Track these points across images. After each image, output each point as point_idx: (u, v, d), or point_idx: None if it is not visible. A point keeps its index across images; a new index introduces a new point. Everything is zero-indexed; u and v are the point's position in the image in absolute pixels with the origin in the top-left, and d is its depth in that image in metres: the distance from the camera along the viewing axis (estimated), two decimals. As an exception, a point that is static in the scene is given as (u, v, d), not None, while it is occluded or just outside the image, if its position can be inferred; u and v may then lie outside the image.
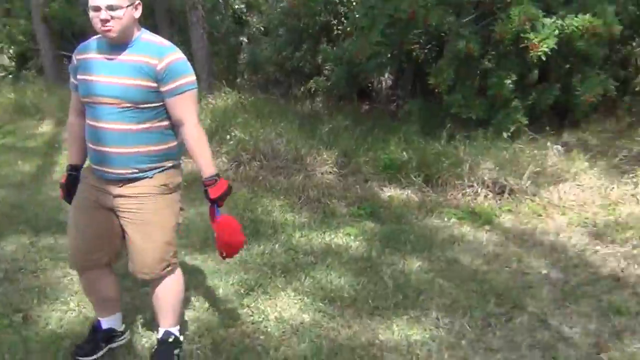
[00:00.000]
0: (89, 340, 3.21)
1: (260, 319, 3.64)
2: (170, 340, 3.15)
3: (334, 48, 8.76)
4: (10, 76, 12.75)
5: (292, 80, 10.02)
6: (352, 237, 4.90)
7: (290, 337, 3.44)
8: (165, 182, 2.86)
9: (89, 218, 2.92)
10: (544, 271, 4.32)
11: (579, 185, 5.92)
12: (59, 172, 6.67)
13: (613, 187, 5.85)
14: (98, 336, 3.22)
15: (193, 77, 2.80)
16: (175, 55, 2.73)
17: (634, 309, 3.71)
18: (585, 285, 4.07)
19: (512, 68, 7.51)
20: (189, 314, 3.67)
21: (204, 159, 2.82)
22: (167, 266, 2.98)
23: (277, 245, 4.71)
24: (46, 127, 8.86)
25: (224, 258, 3.00)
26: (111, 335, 3.25)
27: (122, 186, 2.83)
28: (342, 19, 9.32)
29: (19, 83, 11.29)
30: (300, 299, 3.87)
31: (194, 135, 2.79)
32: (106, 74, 2.70)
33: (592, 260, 4.49)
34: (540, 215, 5.45)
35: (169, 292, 3.09)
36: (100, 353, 3.19)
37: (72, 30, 11.23)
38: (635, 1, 7.88)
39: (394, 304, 3.81)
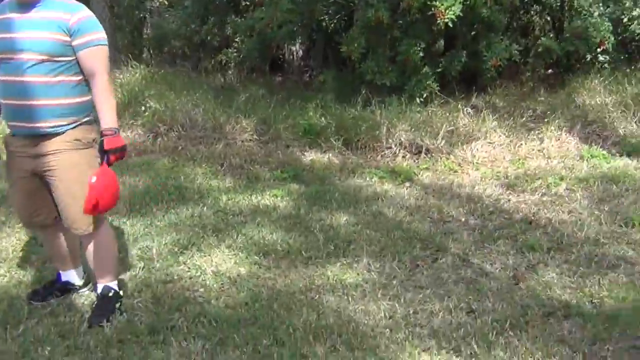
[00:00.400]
0: (45, 287, 3.38)
1: (198, 274, 3.68)
2: (110, 294, 3.24)
3: (244, 19, 8.73)
4: None
5: (201, 53, 9.92)
6: (278, 198, 5.00)
7: (229, 288, 3.51)
8: (78, 137, 2.94)
9: (20, 186, 3.07)
10: (463, 219, 4.59)
11: (489, 143, 6.28)
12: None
13: (521, 144, 6.25)
14: (54, 287, 3.38)
15: (103, 34, 2.94)
16: (85, 12, 2.90)
17: (546, 245, 4.01)
18: (502, 229, 4.36)
19: (421, 36, 7.78)
20: (126, 274, 3.66)
21: (107, 111, 2.91)
22: (95, 222, 3.07)
23: (204, 208, 4.74)
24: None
25: (88, 211, 2.94)
26: (67, 287, 3.38)
27: (37, 145, 2.91)
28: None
29: None
30: (234, 254, 3.94)
31: (101, 86, 2.90)
32: (23, 30, 2.80)
33: (506, 207, 4.80)
34: (455, 172, 5.75)
35: (101, 248, 3.18)
36: (53, 300, 3.31)
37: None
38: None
39: (326, 254, 3.95)
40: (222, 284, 3.57)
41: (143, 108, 6.67)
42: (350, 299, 3.38)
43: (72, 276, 3.41)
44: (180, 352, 2.88)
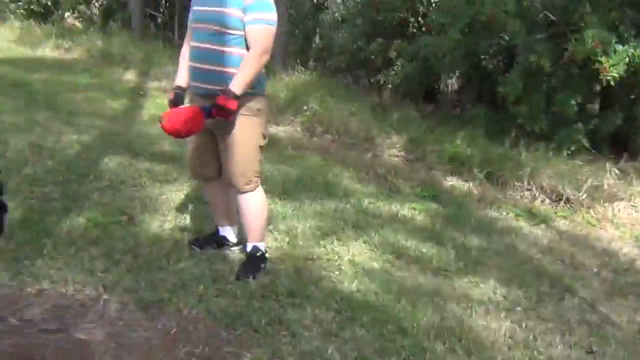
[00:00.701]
0: (205, 237, 3.83)
1: (335, 258, 4.01)
2: (258, 254, 3.62)
3: (409, 44, 9.10)
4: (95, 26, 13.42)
5: (362, 70, 10.39)
6: (416, 211, 5.25)
7: (362, 276, 3.80)
8: (246, 104, 3.29)
9: (195, 140, 3.49)
10: (595, 269, 4.61)
11: (633, 206, 6.18)
12: (146, 114, 7.16)
13: (665, 214, 6.10)
14: (213, 238, 3.81)
15: (272, 16, 3.25)
16: None
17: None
18: (634, 286, 4.36)
19: (579, 89, 7.75)
20: (272, 243, 4.06)
21: (240, 77, 3.18)
22: (248, 182, 3.43)
23: (347, 205, 5.08)
24: (130, 76, 9.38)
25: (162, 125, 3.24)
26: (222, 242, 3.81)
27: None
28: (419, 18, 9.66)
29: (105, 33, 11.85)
30: (370, 250, 4.24)
31: (249, 57, 3.20)
32: (212, 5, 3.25)
33: (641, 268, 4.76)
34: (593, 226, 5.72)
35: (252, 210, 3.54)
36: (209, 250, 3.75)
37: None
38: None
39: (456, 269, 4.15)
40: (355, 271, 3.87)
41: (305, 107, 7.16)
42: (473, 312, 3.56)
43: (228, 232, 3.83)
44: (313, 318, 3.21)
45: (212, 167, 3.57)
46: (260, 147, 3.47)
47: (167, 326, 2.97)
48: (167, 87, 8.50)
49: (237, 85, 3.17)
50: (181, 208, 4.43)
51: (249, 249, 3.64)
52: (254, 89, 3.32)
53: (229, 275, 3.52)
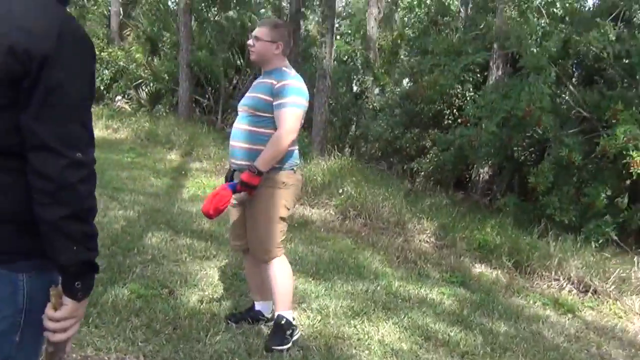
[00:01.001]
0: (241, 313, 4.03)
1: (365, 338, 4.18)
2: (282, 322, 3.74)
3: (444, 134, 9.48)
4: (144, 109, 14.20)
5: (396, 157, 10.77)
6: (445, 296, 5.42)
7: (391, 356, 3.97)
8: (275, 178, 3.58)
9: (233, 212, 3.82)
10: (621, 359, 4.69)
11: (659, 301, 6.23)
12: (187, 193, 7.55)
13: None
14: (249, 313, 4.00)
15: (300, 100, 3.58)
16: (292, 80, 3.60)
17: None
18: (660, 378, 4.42)
19: (609, 182, 7.97)
20: (305, 321, 4.27)
21: (265, 154, 3.47)
22: (267, 251, 3.66)
23: (378, 287, 5.28)
24: (174, 156, 9.88)
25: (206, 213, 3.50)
26: (258, 317, 4.00)
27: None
28: (454, 110, 10.07)
29: (153, 116, 12.54)
30: (399, 331, 4.40)
31: (275, 135, 3.50)
32: (251, 92, 3.69)
33: (668, 362, 4.81)
34: (620, 317, 5.79)
35: (276, 279, 3.72)
36: (245, 324, 3.94)
37: (207, 77, 12.51)
38: None
39: (483, 353, 4.28)
40: (385, 351, 4.03)
41: (340, 191, 7.48)
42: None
43: (263, 307, 4.04)
44: (345, 393, 3.38)
45: (245, 240, 3.81)
46: (282, 218, 3.68)
47: (206, 394, 3.16)
48: (208, 167, 8.96)
49: (260, 162, 3.46)
50: (219, 283, 4.68)
51: (275, 317, 3.79)
52: (281, 164, 3.60)
53: (262, 351, 3.73)
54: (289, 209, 3.76)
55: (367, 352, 3.98)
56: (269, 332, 3.96)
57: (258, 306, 4.05)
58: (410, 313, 4.77)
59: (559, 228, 7.59)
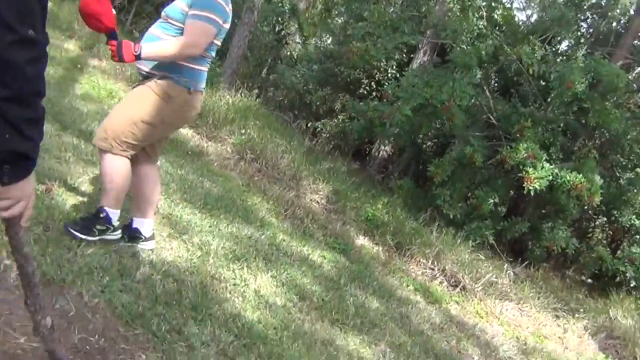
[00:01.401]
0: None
1: (242, 284, 4.01)
2: (101, 215, 3.48)
3: (359, 102, 9.39)
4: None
5: (304, 112, 10.57)
6: (326, 260, 5.34)
7: (264, 308, 3.82)
8: (161, 85, 3.34)
9: None
10: (476, 358, 4.83)
11: (520, 309, 6.53)
12: (80, 89, 6.97)
13: (546, 324, 6.48)
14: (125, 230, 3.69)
15: (214, 16, 3.31)
16: None
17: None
18: (507, 382, 4.59)
19: (500, 190, 8.23)
20: (184, 254, 4.02)
21: (155, 46, 3.26)
22: (104, 139, 3.37)
23: (262, 237, 5.10)
24: (72, 46, 9.08)
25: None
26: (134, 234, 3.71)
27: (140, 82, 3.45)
28: (373, 82, 9.99)
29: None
30: (276, 285, 4.26)
31: (174, 39, 3.27)
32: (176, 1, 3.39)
33: (517, 367, 5.03)
34: (481, 317, 6.00)
35: (105, 173, 3.46)
36: (120, 242, 3.65)
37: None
38: (616, 185, 8.83)
39: (352, 324, 4.24)
40: (259, 303, 3.88)
41: (243, 130, 7.18)
42: (361, 369, 3.65)
43: (139, 224, 3.72)
44: (212, 336, 3.19)
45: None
46: (145, 123, 3.36)
47: (66, 308, 2.86)
48: (107, 68, 8.31)
49: (145, 48, 3.20)
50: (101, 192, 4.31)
51: (97, 208, 3.51)
52: (174, 74, 3.34)
53: (136, 273, 3.45)
54: (162, 123, 3.44)
55: (241, 299, 3.81)
56: (145, 257, 3.70)
57: (135, 223, 3.72)
58: (289, 269, 4.65)
59: (444, 221, 7.75)
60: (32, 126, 1.41)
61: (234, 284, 3.97)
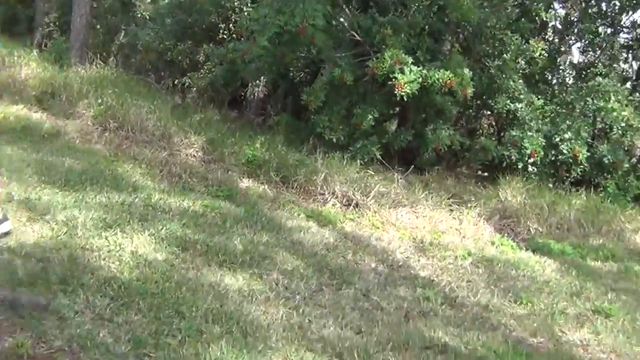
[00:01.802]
0: None
1: (117, 249, 3.86)
2: None
3: (218, 48, 9.13)
4: None
5: (168, 70, 10.21)
6: (208, 209, 5.23)
7: (144, 267, 3.70)
8: None
9: None
10: (373, 265, 4.91)
11: (414, 212, 6.67)
12: None
13: (442, 220, 6.67)
14: None
15: None
16: None
17: (441, 300, 4.34)
18: (405, 279, 4.70)
19: (377, 105, 8.29)
20: (48, 233, 3.81)
21: None
22: None
23: (136, 200, 4.93)
24: None
25: None
26: None
27: None
28: (231, 25, 9.74)
29: None
30: (155, 242, 4.14)
31: None
32: None
33: (414, 264, 5.15)
34: (377, 228, 6.09)
35: None
36: None
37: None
38: (486, 74, 9.10)
39: (241, 262, 4.19)
40: (137, 262, 3.75)
41: (100, 101, 6.84)
42: (253, 300, 3.62)
43: None
44: (85, 304, 3.06)
45: None
46: None
47: None
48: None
49: None
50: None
51: None
52: None
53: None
54: None
55: (117, 263, 3.68)
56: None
57: None
58: (169, 225, 4.52)
59: (327, 146, 7.74)
60: None
61: (108, 251, 3.82)
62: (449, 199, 7.37)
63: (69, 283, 3.22)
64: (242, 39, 8.29)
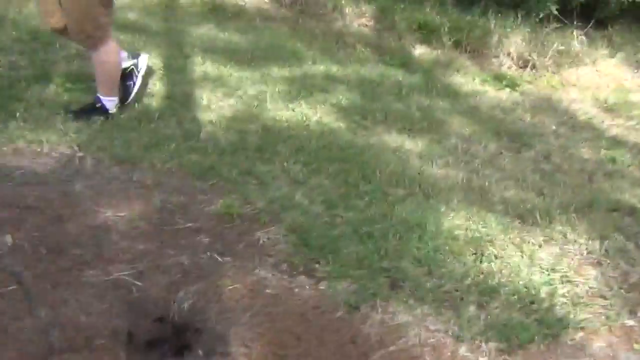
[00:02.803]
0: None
1: (303, 119, 4.15)
2: (98, 105, 3.69)
3: None
4: None
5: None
6: (385, 77, 5.35)
7: (328, 134, 3.96)
8: None
9: None
10: (554, 127, 4.81)
11: (596, 70, 6.33)
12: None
13: (627, 78, 6.27)
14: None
15: None
16: None
17: (627, 162, 4.22)
18: (588, 140, 4.58)
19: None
20: (241, 106, 4.18)
21: None
22: (88, 37, 3.50)
23: (316, 72, 5.16)
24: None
25: None
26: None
27: None
28: None
29: None
30: (337, 112, 4.37)
31: None
32: None
33: (598, 126, 4.98)
34: (557, 89, 5.89)
35: (98, 63, 3.63)
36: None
37: None
38: None
39: (419, 128, 4.32)
40: (322, 131, 4.02)
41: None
42: (433, 164, 3.77)
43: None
44: (281, 169, 3.39)
45: (56, 18, 3.50)
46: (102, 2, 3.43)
47: (142, 179, 3.12)
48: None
49: None
50: (153, 76, 4.48)
51: (95, 98, 3.71)
52: None
53: (199, 135, 3.66)
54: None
55: (305, 132, 3.96)
56: (203, 118, 3.90)
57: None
58: (348, 94, 4.73)
59: (499, 5, 7.38)
60: None
61: (296, 121, 4.11)
62: (635, 54, 6.85)
63: (265, 151, 3.56)
64: None
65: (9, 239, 1.73)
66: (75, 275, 2.35)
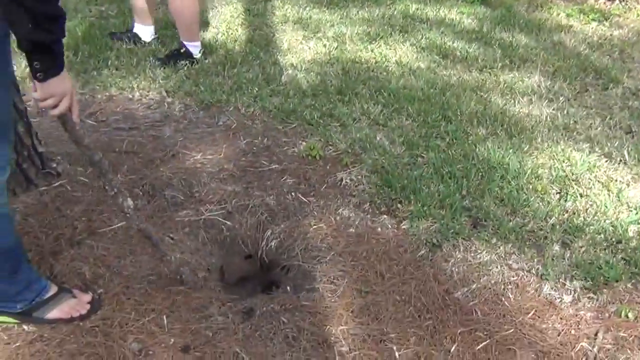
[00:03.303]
0: (122, 32, 4.10)
1: (382, 60, 4.14)
2: (182, 50, 3.82)
3: None
4: None
5: None
6: (464, 15, 5.23)
7: (408, 75, 3.95)
8: None
9: None
10: (644, 62, 4.60)
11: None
12: None
13: None
14: (127, 34, 4.07)
15: None
16: None
17: None
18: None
19: None
20: (321, 49, 4.21)
21: None
22: None
23: (395, 12, 5.10)
24: None
25: None
26: (135, 38, 4.05)
27: None
28: None
29: None
30: (416, 51, 4.33)
31: None
32: None
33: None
34: (648, 19, 5.59)
35: (175, 11, 3.73)
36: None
37: None
38: None
39: (501, 65, 4.23)
40: (402, 71, 4.01)
41: None
42: (516, 102, 3.70)
43: (139, 29, 4.07)
44: (362, 111, 3.42)
45: None
46: None
47: (227, 122, 3.24)
48: None
49: None
50: (232, 20, 4.56)
51: (179, 43, 3.85)
52: None
53: (280, 78, 3.73)
54: None
55: (384, 73, 3.96)
56: (285, 62, 3.96)
57: (136, 28, 4.07)
58: (427, 34, 4.66)
59: None
60: (53, 22, 1.45)
61: (375, 62, 4.11)
62: None
63: (345, 93, 3.60)
64: None
65: (130, 202, 1.88)
66: (169, 216, 2.50)
